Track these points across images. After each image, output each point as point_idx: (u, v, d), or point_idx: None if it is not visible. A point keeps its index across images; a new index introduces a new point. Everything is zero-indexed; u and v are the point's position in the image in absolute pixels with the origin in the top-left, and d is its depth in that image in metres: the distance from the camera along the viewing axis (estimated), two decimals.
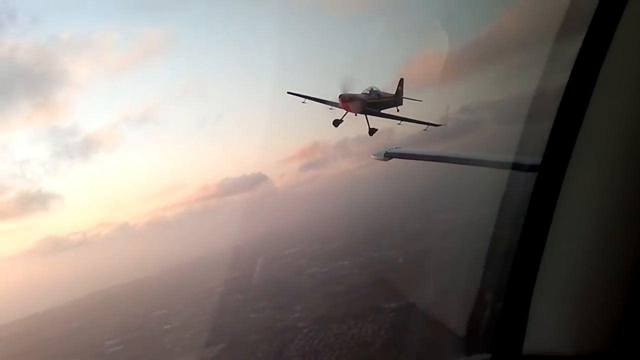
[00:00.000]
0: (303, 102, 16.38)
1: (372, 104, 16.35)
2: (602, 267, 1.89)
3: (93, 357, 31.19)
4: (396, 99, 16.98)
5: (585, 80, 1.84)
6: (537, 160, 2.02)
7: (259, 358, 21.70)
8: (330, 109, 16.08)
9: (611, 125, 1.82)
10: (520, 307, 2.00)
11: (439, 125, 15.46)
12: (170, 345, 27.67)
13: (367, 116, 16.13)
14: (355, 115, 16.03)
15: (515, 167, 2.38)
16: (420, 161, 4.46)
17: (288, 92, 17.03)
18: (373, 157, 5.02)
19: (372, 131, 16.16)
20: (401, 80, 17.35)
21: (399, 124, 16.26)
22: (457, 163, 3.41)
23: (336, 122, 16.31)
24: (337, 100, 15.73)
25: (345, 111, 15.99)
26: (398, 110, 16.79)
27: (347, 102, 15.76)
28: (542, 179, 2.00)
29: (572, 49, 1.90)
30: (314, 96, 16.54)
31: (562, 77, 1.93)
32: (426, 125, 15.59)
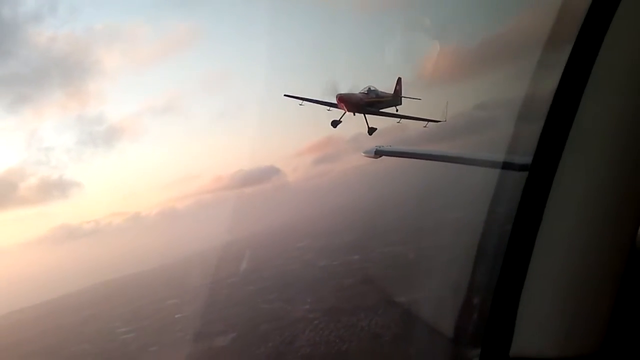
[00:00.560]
0: (300, 105, 16.30)
1: (370, 103, 16.34)
2: (591, 268, 1.89)
3: (105, 343, 31.56)
4: (395, 99, 16.98)
5: (576, 81, 1.85)
6: (528, 159, 2.01)
7: (270, 347, 21.91)
8: (329, 109, 16.03)
9: (602, 125, 1.83)
10: (508, 309, 1.99)
11: (439, 121, 15.46)
12: (182, 334, 27.94)
13: (366, 115, 16.09)
14: (354, 115, 16.00)
15: (506, 166, 2.33)
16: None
17: (285, 95, 16.97)
18: (363, 154, 4.90)
19: (371, 130, 16.19)
20: (399, 80, 17.35)
21: (398, 122, 16.26)
22: (448, 162, 3.38)
23: (335, 123, 16.29)
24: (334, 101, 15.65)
25: (344, 111, 15.95)
26: (397, 110, 16.78)
27: (345, 102, 15.73)
28: (532, 179, 1.99)
29: (564, 50, 1.91)
30: (314, 98, 16.43)
31: (553, 79, 1.94)
32: (426, 122, 15.60)
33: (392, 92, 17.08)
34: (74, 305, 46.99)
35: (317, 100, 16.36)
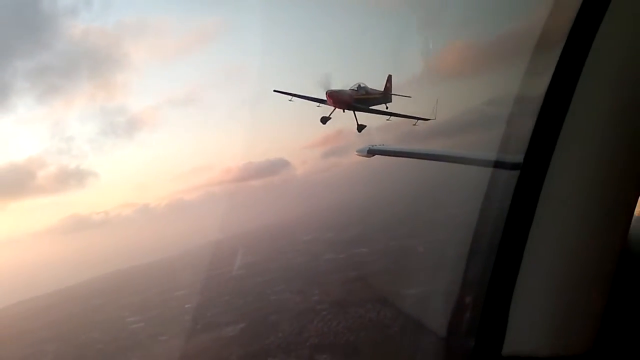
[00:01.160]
0: (290, 100, 16.17)
1: (359, 100, 16.24)
2: (583, 267, 1.89)
3: (115, 332, 31.90)
4: (385, 96, 16.87)
5: (567, 81, 1.85)
6: (519, 158, 2.01)
7: (279, 337, 22.17)
8: (318, 106, 15.95)
9: (592, 125, 1.83)
10: (501, 307, 1.98)
11: (428, 119, 15.36)
12: (191, 324, 28.23)
13: (356, 112, 15.99)
14: (343, 111, 15.92)
15: (498, 165, 2.31)
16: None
17: (274, 90, 16.77)
18: (357, 153, 4.90)
19: (360, 127, 16.09)
20: (389, 77, 17.24)
21: (387, 119, 16.20)
22: (441, 161, 3.34)
23: (324, 119, 16.18)
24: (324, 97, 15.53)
25: (333, 108, 15.84)
26: (387, 108, 16.67)
27: (334, 98, 15.63)
28: (524, 178, 1.99)
29: (555, 50, 1.92)
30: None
31: (544, 79, 1.94)
32: (416, 120, 15.50)
33: (382, 90, 17.01)
34: (84, 294, 47.48)
35: (306, 97, 16.26)
